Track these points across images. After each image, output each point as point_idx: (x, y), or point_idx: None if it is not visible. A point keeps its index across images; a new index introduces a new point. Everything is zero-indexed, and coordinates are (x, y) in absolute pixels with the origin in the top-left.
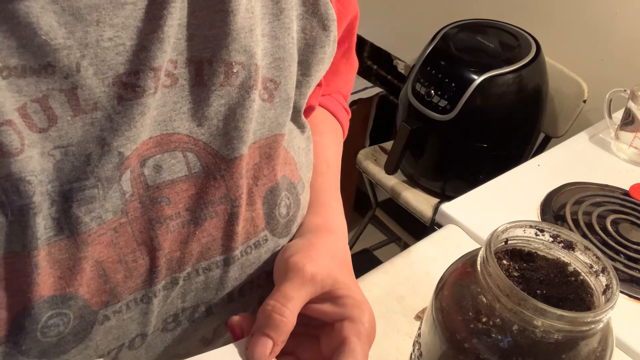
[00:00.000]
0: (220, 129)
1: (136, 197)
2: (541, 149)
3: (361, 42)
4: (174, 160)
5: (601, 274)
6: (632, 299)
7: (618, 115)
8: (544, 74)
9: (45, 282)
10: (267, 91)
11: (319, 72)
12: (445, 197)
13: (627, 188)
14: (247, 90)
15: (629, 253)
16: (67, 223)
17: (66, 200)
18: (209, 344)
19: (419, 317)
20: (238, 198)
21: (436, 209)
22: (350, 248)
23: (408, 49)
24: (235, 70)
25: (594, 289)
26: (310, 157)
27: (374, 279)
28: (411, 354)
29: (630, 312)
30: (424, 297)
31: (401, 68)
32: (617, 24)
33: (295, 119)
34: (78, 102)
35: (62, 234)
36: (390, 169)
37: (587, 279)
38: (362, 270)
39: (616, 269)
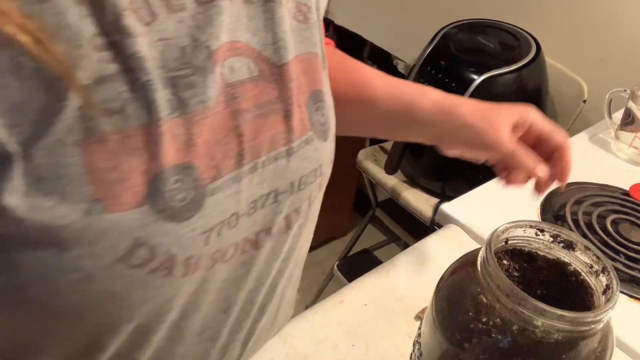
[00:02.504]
0: (269, 40)
1: (222, 91)
2: None
3: (361, 42)
4: (240, 64)
5: (601, 274)
6: (632, 299)
7: (618, 115)
8: (544, 74)
9: (169, 150)
10: (302, 14)
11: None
12: (445, 197)
13: (627, 188)
14: (285, 7)
15: (629, 253)
16: (178, 104)
17: (173, 85)
18: (284, 233)
19: (419, 317)
20: (289, 99)
21: (436, 209)
22: (350, 248)
23: (408, 49)
24: None
25: (594, 289)
26: (329, 86)
27: (374, 279)
28: (411, 354)
29: (630, 312)
30: (424, 297)
31: (401, 68)
32: (617, 24)
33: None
34: (170, 3)
35: (176, 112)
36: (390, 169)
37: (587, 279)
38: (362, 270)
39: (616, 269)
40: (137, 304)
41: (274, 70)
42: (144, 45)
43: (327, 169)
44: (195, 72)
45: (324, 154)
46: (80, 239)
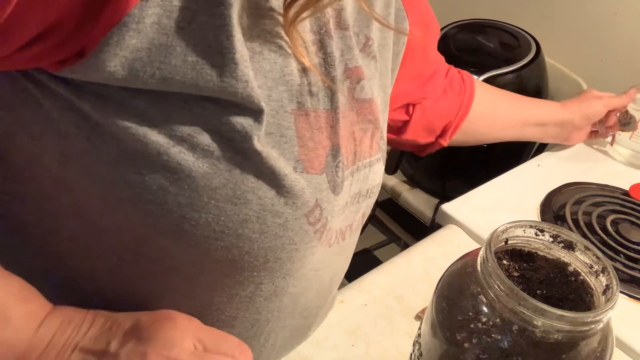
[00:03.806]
0: (366, 75)
1: (348, 102)
2: (541, 149)
3: None
4: (364, 86)
5: (601, 274)
6: (632, 299)
7: None
8: (544, 74)
9: (336, 134)
10: (376, 65)
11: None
12: (445, 197)
13: (626, 188)
14: (373, 57)
15: (629, 253)
16: (331, 101)
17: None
18: (356, 230)
19: (419, 317)
20: (375, 121)
21: (436, 209)
22: None
23: None
24: (369, 43)
25: (594, 289)
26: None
27: (374, 279)
28: (411, 354)
29: (630, 312)
30: (424, 297)
31: None
32: (617, 24)
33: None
34: (336, 25)
35: (334, 105)
36: (390, 169)
37: (587, 279)
38: (362, 270)
39: (616, 269)
40: (300, 257)
41: (372, 99)
42: (334, 47)
43: (379, 188)
44: (333, 79)
45: (381, 174)
46: (291, 188)
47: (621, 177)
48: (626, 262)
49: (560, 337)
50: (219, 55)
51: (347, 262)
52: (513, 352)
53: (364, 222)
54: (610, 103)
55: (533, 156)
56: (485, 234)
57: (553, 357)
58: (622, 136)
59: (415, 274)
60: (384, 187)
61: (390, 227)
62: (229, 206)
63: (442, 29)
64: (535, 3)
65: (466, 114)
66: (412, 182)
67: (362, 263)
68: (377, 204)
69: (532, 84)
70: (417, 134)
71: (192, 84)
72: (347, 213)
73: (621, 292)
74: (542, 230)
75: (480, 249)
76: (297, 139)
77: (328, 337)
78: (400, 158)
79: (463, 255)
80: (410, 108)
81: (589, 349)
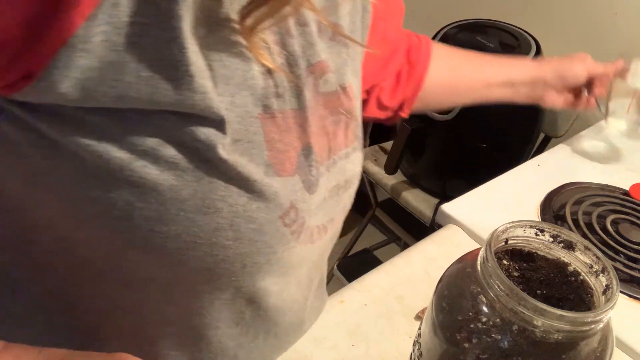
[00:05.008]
0: (334, 65)
1: (313, 97)
2: (541, 149)
3: None
4: (328, 79)
5: (601, 274)
6: (632, 299)
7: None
8: None
9: (306, 133)
10: (348, 52)
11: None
12: (445, 197)
13: (627, 188)
14: (344, 44)
15: (629, 253)
16: (298, 100)
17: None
18: (337, 224)
19: (419, 317)
20: (348, 111)
21: (436, 209)
22: (350, 248)
23: None
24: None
25: (594, 289)
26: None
27: (374, 279)
28: (411, 354)
29: (630, 312)
30: (424, 297)
31: None
32: (617, 24)
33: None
34: (295, 22)
35: (302, 104)
36: (390, 169)
37: (587, 279)
38: (362, 270)
39: (616, 269)
40: (278, 259)
41: (341, 89)
42: (296, 46)
43: (359, 177)
44: (299, 77)
45: (360, 162)
46: (263, 193)
47: (621, 177)
48: (626, 262)
49: (560, 337)
50: (173, 69)
51: (328, 250)
52: (513, 352)
53: (346, 214)
54: (593, 68)
55: (533, 156)
56: (485, 234)
57: (553, 357)
58: (617, 109)
59: (415, 274)
60: (384, 187)
61: (390, 227)
62: (199, 216)
63: (442, 29)
64: (535, 3)
65: (419, 89)
66: (412, 182)
67: (362, 263)
68: (377, 204)
69: None
70: (374, 112)
71: (148, 100)
72: (327, 208)
73: (621, 292)
74: (542, 230)
75: (480, 249)
76: (265, 143)
77: (328, 337)
78: (400, 158)
79: (463, 255)
80: (370, 89)
81: (589, 349)
